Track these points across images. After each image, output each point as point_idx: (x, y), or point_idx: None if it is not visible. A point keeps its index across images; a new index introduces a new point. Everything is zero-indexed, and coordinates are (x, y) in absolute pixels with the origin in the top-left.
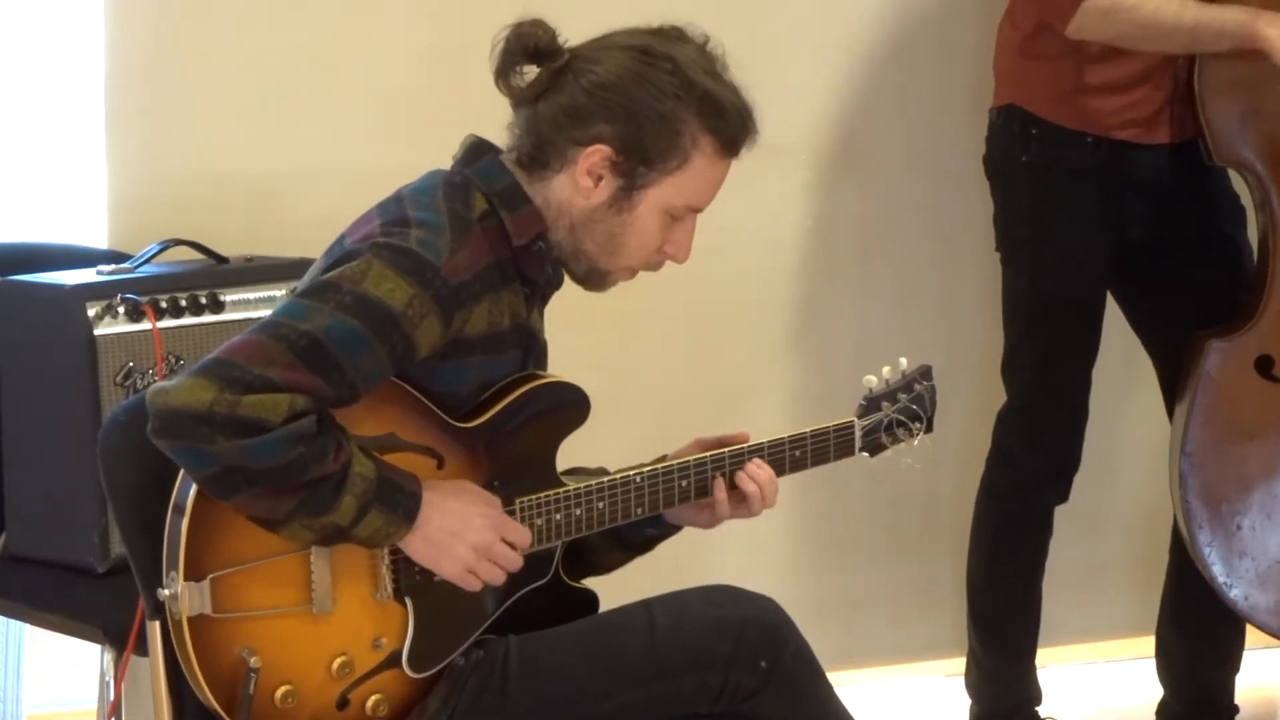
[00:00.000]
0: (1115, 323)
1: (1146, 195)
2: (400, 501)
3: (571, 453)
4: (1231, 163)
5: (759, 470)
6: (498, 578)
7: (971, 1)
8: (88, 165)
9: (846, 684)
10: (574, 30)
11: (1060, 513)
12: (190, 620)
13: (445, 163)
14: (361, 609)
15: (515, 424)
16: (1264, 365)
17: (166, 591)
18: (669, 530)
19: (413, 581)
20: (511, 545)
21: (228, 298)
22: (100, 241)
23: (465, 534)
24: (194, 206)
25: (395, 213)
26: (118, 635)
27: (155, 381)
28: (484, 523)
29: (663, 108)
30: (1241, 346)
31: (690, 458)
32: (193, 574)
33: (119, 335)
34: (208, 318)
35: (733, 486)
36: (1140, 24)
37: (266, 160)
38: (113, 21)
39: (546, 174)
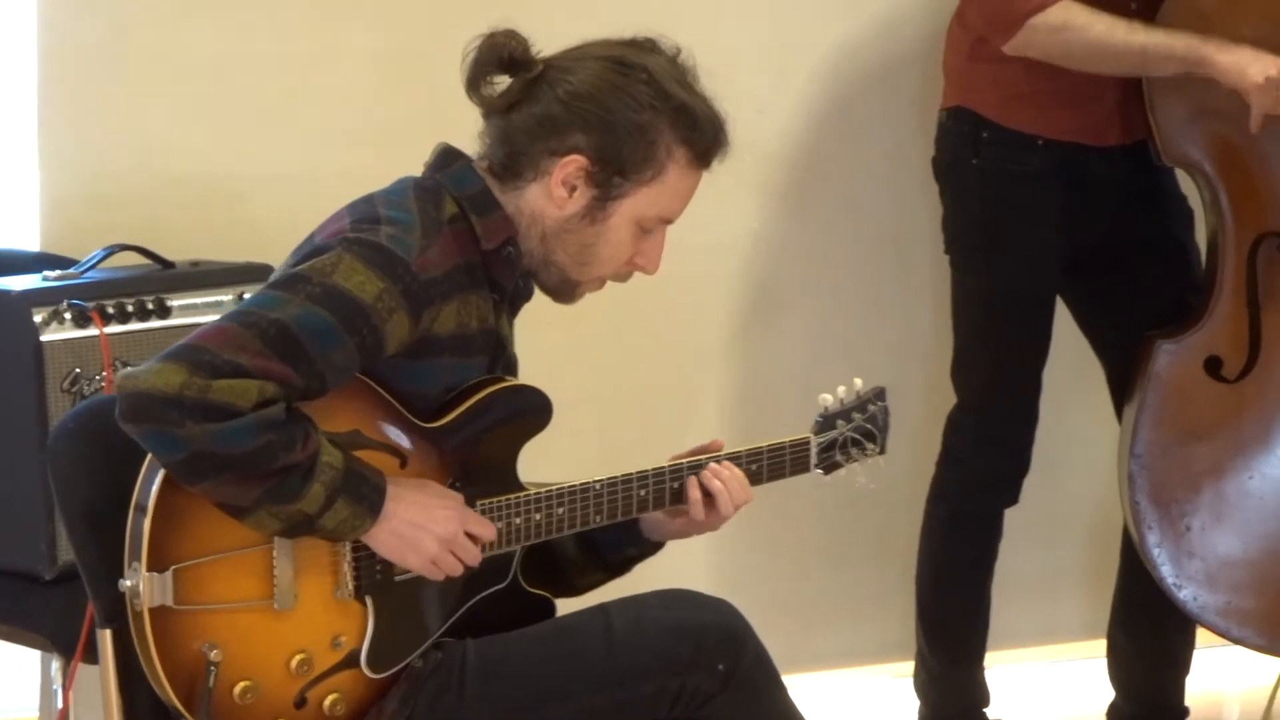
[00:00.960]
0: (1064, 325)
1: (1098, 198)
2: (366, 494)
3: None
4: (1180, 163)
5: (723, 469)
6: (457, 569)
7: (920, 3)
8: (18, 166)
9: (799, 686)
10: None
11: (1011, 515)
12: (151, 612)
13: (399, 166)
14: (322, 606)
15: (478, 426)
16: (1213, 366)
17: (128, 583)
18: (649, 549)
19: (374, 580)
20: (474, 538)
21: (174, 303)
22: (32, 244)
23: (431, 526)
24: (134, 209)
25: (366, 211)
26: (65, 643)
27: (102, 388)
28: (448, 514)
29: (639, 119)
30: (1190, 347)
31: (649, 468)
32: (155, 565)
33: (65, 341)
34: (155, 323)
35: (679, 500)
36: (1090, 43)
37: (212, 162)
38: (48, 19)
39: (519, 183)
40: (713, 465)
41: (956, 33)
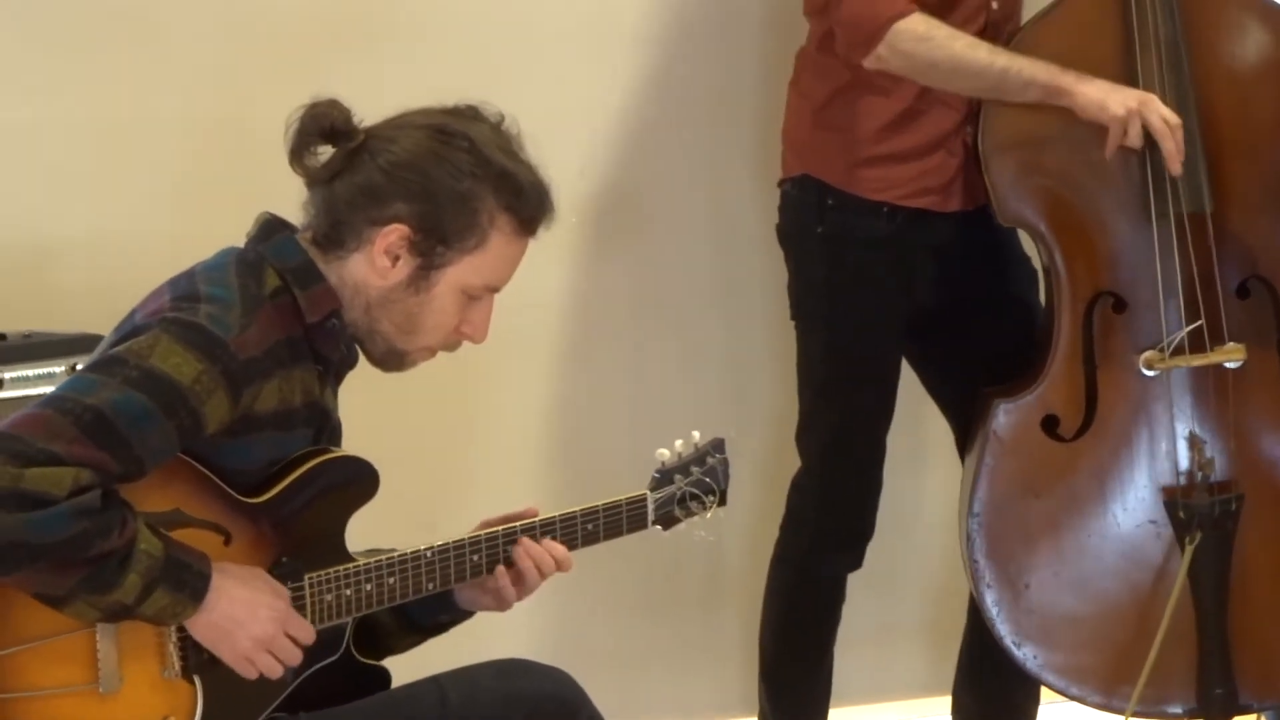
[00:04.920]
0: (909, 386)
1: (941, 260)
2: (188, 581)
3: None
4: (1016, 223)
5: (533, 546)
6: (275, 671)
7: (754, 68)
8: None
9: None
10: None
11: (857, 572)
12: None
13: (221, 232)
14: (149, 687)
15: (303, 499)
16: (1050, 425)
17: None
18: (461, 615)
19: (201, 659)
20: (294, 640)
21: (6, 375)
22: None
23: (249, 624)
24: None
25: (186, 288)
26: None
27: None
28: (270, 614)
29: (460, 187)
30: (1028, 406)
31: (481, 532)
32: None
33: None
34: None
35: (510, 564)
36: (953, 56)
37: (37, 231)
38: None
39: (343, 253)
40: (525, 541)
41: (796, 101)
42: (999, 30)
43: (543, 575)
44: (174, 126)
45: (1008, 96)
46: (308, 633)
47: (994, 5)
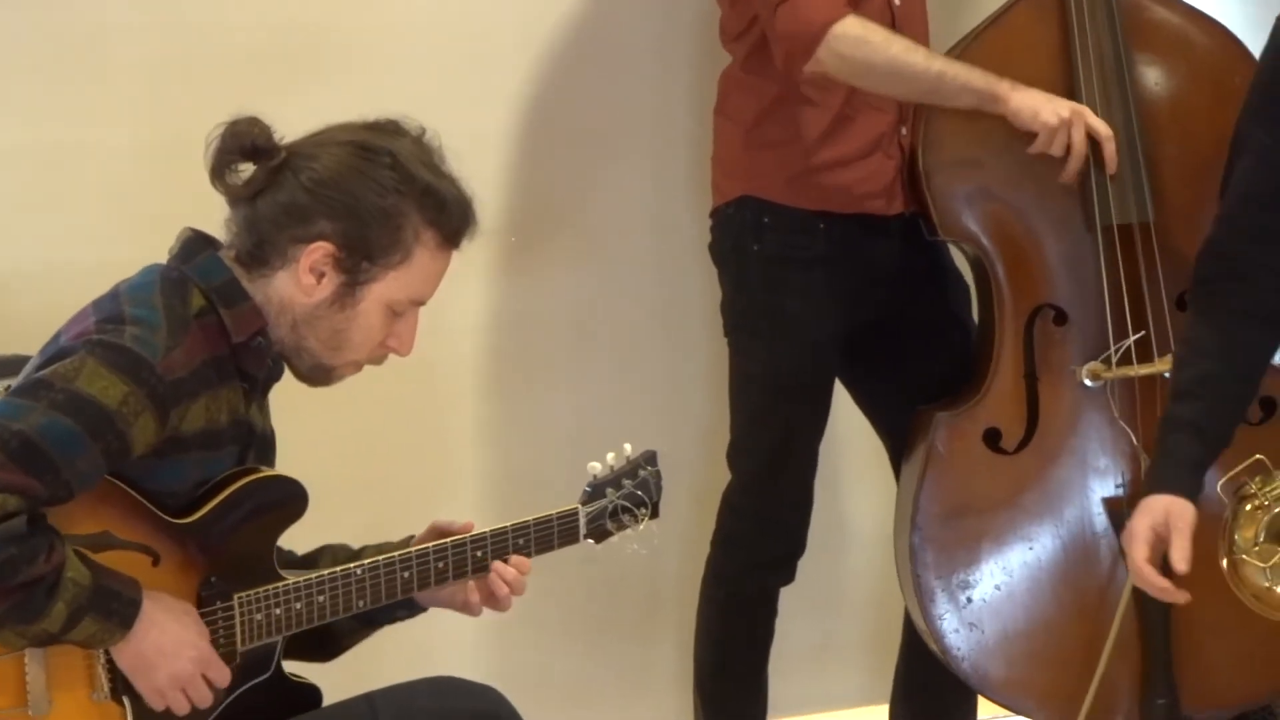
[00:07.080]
0: (837, 401)
1: (879, 279)
2: (117, 609)
3: (283, 541)
4: (957, 236)
5: (506, 569)
6: (183, 709)
7: (691, 86)
8: None
9: None
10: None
11: (791, 587)
12: None
13: (163, 259)
14: (79, 710)
15: (232, 519)
16: (991, 438)
17: None
18: (418, 611)
19: (129, 680)
20: (210, 682)
21: None
22: None
23: (172, 660)
24: None
25: (111, 310)
26: None
27: None
28: (193, 654)
29: (384, 203)
30: (969, 419)
31: (413, 549)
32: None
33: None
34: None
35: (430, 583)
36: (890, 59)
37: None
38: None
39: (267, 271)
40: (498, 565)
41: (724, 126)
42: (903, 30)
43: (515, 593)
44: (119, 154)
45: (943, 101)
46: (224, 677)
47: (896, 1)
